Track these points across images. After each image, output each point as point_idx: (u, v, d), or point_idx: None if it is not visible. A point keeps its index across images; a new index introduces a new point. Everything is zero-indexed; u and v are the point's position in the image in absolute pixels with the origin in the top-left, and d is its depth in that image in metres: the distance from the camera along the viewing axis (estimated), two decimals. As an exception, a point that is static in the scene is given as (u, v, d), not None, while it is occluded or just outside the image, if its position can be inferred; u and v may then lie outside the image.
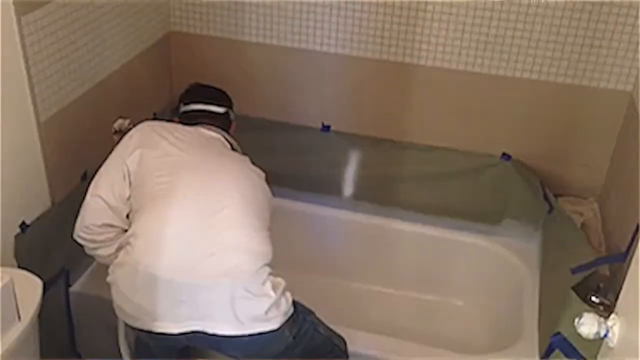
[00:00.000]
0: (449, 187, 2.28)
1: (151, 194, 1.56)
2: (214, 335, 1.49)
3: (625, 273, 1.10)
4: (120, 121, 2.10)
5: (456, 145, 2.26)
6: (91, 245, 1.64)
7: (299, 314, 1.57)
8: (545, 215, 2.14)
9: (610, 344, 1.08)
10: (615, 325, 1.06)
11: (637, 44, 1.97)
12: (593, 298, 1.71)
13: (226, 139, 1.77)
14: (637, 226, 1.70)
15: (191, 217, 1.51)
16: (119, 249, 1.58)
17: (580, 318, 1.09)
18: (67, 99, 1.82)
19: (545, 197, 2.17)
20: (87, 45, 1.87)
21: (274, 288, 1.49)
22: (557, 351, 1.58)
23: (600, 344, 1.19)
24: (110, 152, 1.68)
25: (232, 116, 1.90)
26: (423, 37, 2.14)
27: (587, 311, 1.11)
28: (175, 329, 1.50)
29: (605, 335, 1.08)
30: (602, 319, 1.08)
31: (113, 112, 2.08)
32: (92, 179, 1.65)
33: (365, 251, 2.39)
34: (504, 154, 2.23)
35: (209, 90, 1.92)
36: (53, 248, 1.83)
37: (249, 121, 2.41)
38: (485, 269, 2.28)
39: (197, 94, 1.88)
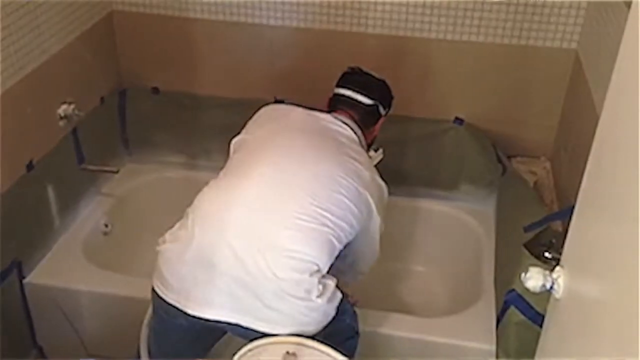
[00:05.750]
0: (404, 154, 2.29)
1: (225, 172, 1.55)
2: (249, 329, 1.44)
3: (567, 225, 1.12)
4: (64, 106, 2.04)
5: (409, 112, 2.25)
6: None
7: (337, 312, 1.51)
8: (499, 177, 2.17)
9: (557, 296, 1.10)
10: (559, 277, 1.09)
11: (580, 1, 1.99)
12: (546, 254, 1.73)
13: (355, 133, 1.65)
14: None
15: (251, 206, 1.44)
16: None
17: (526, 273, 1.11)
18: (4, 85, 1.76)
19: (499, 159, 2.20)
20: (22, 28, 1.81)
21: (322, 294, 1.43)
22: (512, 308, 1.61)
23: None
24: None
25: (381, 110, 1.76)
26: (369, 5, 2.12)
27: (534, 266, 1.13)
28: (210, 315, 1.44)
29: (551, 288, 1.10)
30: (547, 272, 1.10)
31: (57, 97, 2.02)
32: None
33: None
34: (456, 118, 2.24)
35: (364, 77, 1.77)
36: (2, 240, 1.78)
37: (199, 100, 2.37)
38: (444, 233, 2.30)
39: (348, 79, 1.76)
